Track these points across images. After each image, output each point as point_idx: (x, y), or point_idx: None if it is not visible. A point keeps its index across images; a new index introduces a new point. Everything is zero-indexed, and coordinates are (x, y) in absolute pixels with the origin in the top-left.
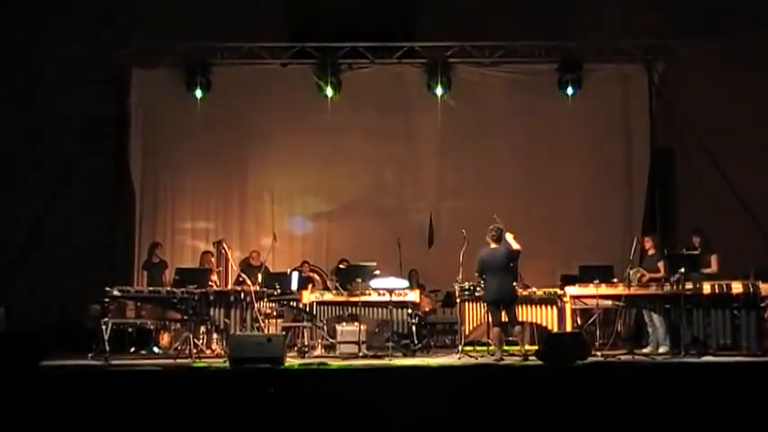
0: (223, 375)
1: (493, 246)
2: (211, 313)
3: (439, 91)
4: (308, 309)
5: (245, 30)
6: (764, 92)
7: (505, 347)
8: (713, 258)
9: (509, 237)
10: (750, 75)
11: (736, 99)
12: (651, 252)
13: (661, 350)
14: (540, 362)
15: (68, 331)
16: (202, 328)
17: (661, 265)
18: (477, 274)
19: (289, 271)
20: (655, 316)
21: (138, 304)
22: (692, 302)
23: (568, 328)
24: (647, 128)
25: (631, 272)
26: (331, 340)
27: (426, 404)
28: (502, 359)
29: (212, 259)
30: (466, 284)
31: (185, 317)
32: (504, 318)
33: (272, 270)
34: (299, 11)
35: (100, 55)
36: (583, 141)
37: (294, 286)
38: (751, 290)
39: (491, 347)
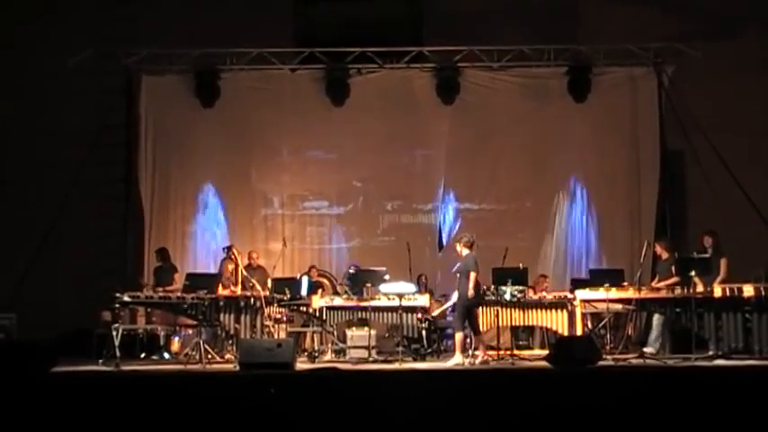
0: (233, 380)
1: (467, 251)
2: (221, 318)
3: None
4: (317, 313)
5: (254, 36)
6: None
7: (516, 351)
8: (722, 262)
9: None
10: (759, 76)
11: (746, 101)
12: (664, 256)
13: (646, 350)
14: (550, 366)
15: (79, 338)
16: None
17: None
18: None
19: (298, 276)
20: (655, 317)
21: (149, 310)
22: (704, 306)
23: (579, 332)
24: (657, 131)
25: None
26: (341, 345)
27: (436, 408)
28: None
29: (230, 267)
30: None
31: (195, 322)
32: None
33: (281, 275)
34: (306, 16)
35: (109, 63)
36: (592, 145)
37: (304, 291)
38: (763, 293)
39: (501, 351)
